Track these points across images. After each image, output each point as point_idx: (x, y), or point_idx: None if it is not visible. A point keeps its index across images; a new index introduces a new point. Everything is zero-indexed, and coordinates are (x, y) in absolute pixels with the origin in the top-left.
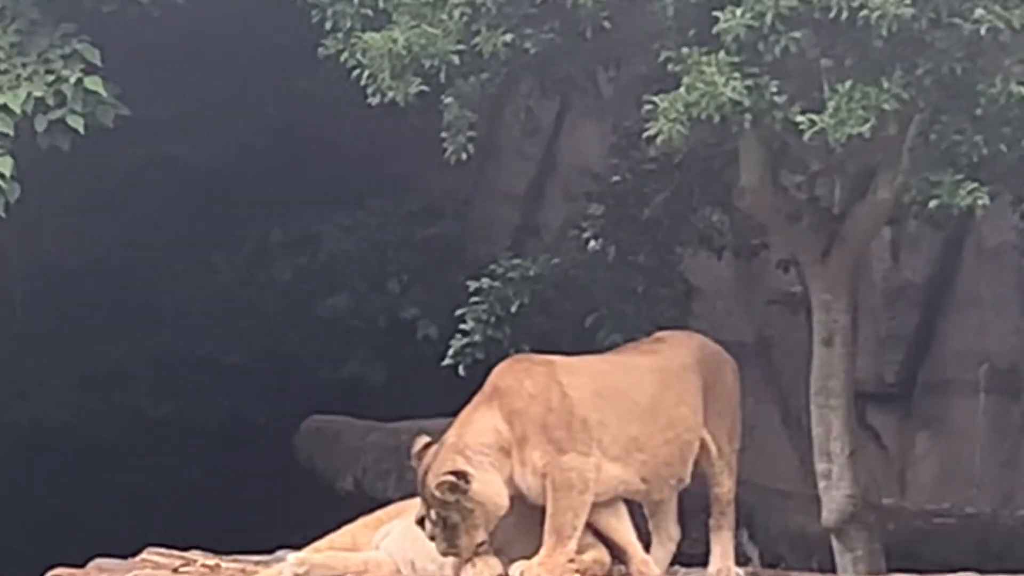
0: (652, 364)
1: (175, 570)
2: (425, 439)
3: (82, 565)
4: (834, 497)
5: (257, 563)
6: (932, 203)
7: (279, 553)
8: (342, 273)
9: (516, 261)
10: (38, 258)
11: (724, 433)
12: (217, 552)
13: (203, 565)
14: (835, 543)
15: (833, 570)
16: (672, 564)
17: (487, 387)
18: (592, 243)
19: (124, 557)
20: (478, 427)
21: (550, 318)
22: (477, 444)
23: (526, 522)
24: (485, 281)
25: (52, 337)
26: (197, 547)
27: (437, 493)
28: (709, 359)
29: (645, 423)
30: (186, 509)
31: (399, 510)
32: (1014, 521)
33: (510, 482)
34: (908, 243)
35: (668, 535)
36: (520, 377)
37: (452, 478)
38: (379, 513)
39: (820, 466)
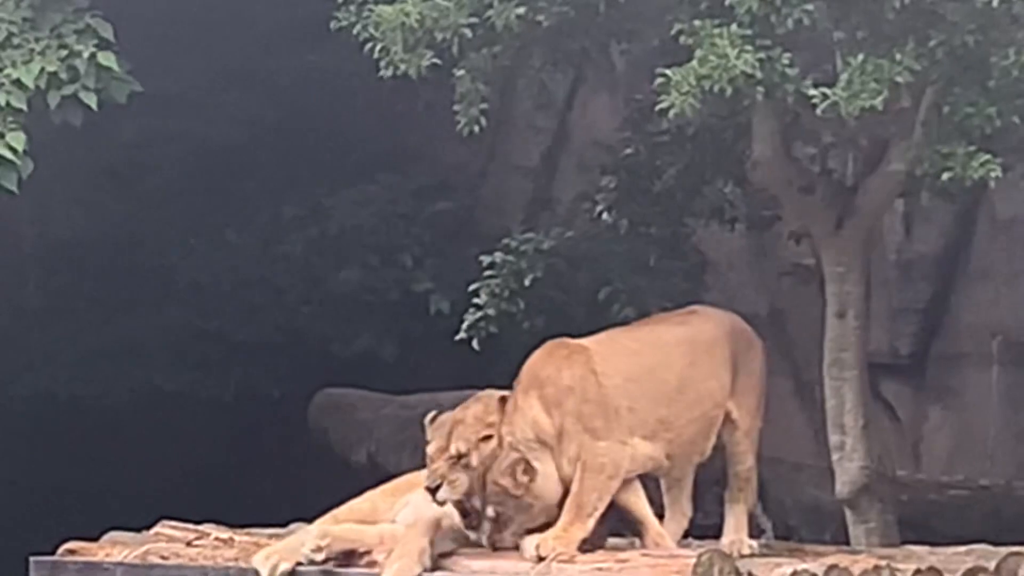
0: (681, 336)
1: (189, 543)
2: (435, 412)
3: (96, 538)
4: (847, 469)
5: (271, 536)
6: (945, 175)
7: (293, 526)
8: (354, 247)
9: (529, 235)
10: (50, 233)
11: (749, 410)
12: (231, 525)
13: (217, 538)
14: (848, 515)
15: (847, 542)
16: (684, 537)
17: (526, 376)
18: (605, 216)
19: (138, 530)
20: (522, 421)
21: (563, 291)
22: (525, 439)
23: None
24: (498, 255)
25: (65, 311)
26: (211, 520)
27: (509, 486)
28: (739, 335)
29: (674, 402)
30: (199, 483)
31: (420, 478)
32: None
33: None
34: (921, 215)
35: (682, 511)
36: (559, 366)
37: (523, 474)
38: (399, 481)
39: (833, 438)
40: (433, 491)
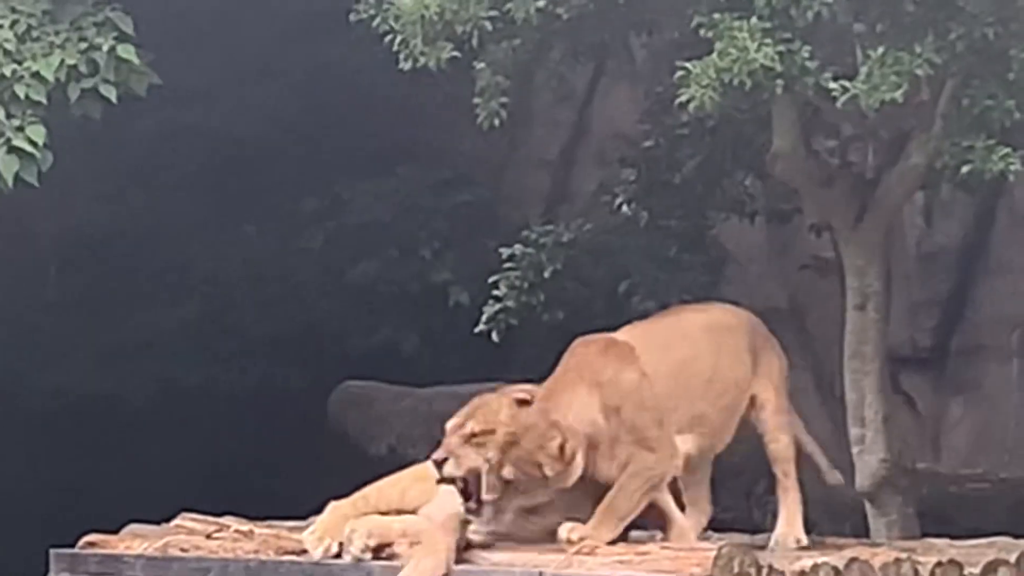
0: (705, 324)
1: (209, 536)
2: None
3: (116, 531)
4: (868, 462)
5: (291, 529)
6: (964, 168)
7: (312, 519)
8: (373, 240)
9: (548, 227)
10: (69, 226)
11: (774, 388)
12: (250, 518)
13: (236, 531)
14: (869, 508)
15: (867, 535)
16: (704, 531)
17: (579, 368)
18: (624, 209)
19: (158, 523)
20: (579, 414)
21: (583, 284)
22: (573, 430)
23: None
24: (518, 247)
25: (84, 305)
26: (230, 513)
27: (545, 463)
28: (755, 324)
29: (707, 395)
30: (219, 476)
31: None
32: None
33: (587, 474)
34: (941, 208)
35: (702, 510)
36: (618, 369)
37: (561, 459)
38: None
39: (854, 431)
40: (439, 464)
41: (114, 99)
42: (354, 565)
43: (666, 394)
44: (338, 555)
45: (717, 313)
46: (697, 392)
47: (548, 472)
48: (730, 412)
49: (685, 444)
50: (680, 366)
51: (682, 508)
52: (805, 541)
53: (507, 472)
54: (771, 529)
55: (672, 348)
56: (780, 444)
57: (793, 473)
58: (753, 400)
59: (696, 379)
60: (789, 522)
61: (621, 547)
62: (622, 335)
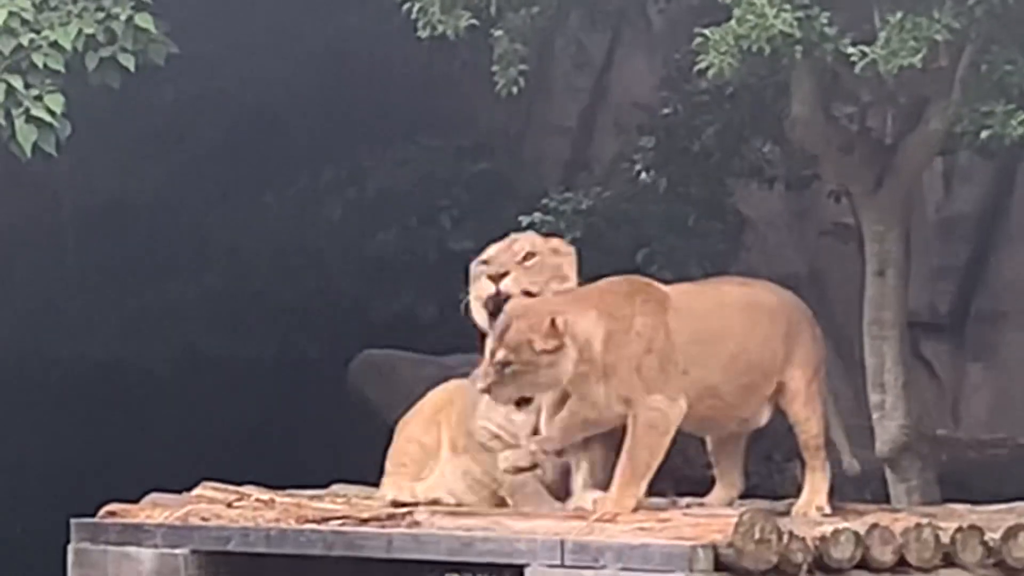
0: (744, 300)
1: (229, 505)
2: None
3: (136, 500)
4: (887, 428)
5: (311, 497)
6: (984, 134)
7: (334, 487)
8: (393, 209)
9: (567, 195)
10: (88, 196)
11: (805, 378)
12: (271, 487)
13: (257, 500)
14: (889, 474)
15: (887, 501)
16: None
17: (606, 298)
18: (643, 176)
19: (179, 492)
20: (579, 326)
21: (602, 252)
22: (579, 334)
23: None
24: (536, 215)
25: (103, 274)
26: (251, 482)
27: (534, 338)
28: (795, 306)
29: (726, 370)
30: (239, 445)
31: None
32: None
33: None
34: (960, 174)
35: (732, 481)
36: (635, 310)
37: (552, 334)
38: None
39: (873, 397)
40: None
41: (132, 68)
42: (373, 532)
43: (685, 355)
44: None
45: (760, 293)
46: (716, 365)
47: (538, 346)
48: (747, 393)
49: (692, 412)
50: (707, 335)
51: (712, 483)
52: (828, 510)
53: (500, 354)
54: (791, 495)
55: (707, 318)
56: (809, 434)
57: (821, 458)
58: (782, 388)
59: (720, 352)
60: (812, 494)
61: (642, 514)
62: (669, 289)
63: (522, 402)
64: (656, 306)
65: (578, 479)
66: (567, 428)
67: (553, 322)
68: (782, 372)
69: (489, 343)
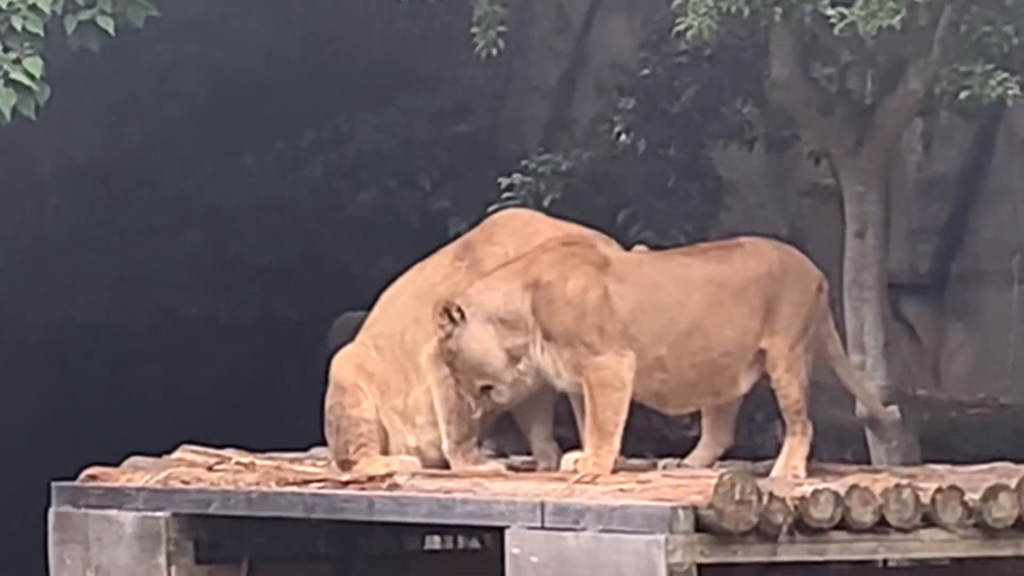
0: (710, 276)
1: (210, 468)
2: None
3: (117, 464)
4: (868, 389)
5: (291, 460)
6: (963, 94)
7: (313, 450)
8: (373, 170)
9: (547, 156)
10: (69, 159)
11: (789, 345)
12: (251, 450)
13: (237, 463)
14: (869, 435)
15: (868, 461)
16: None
17: (529, 268)
18: (623, 138)
19: (159, 455)
20: (499, 297)
21: (582, 213)
22: (488, 308)
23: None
24: (517, 177)
25: (84, 237)
26: (231, 445)
27: (437, 326)
28: (784, 273)
29: (676, 345)
30: (220, 407)
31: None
32: None
33: (524, 362)
34: (940, 135)
35: (716, 439)
36: (565, 275)
37: (448, 318)
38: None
39: (854, 358)
40: None
41: (112, 31)
42: (353, 495)
43: (631, 321)
44: None
45: (738, 262)
46: (665, 338)
47: (441, 335)
48: (708, 369)
49: (639, 386)
50: (658, 308)
51: (692, 444)
52: (802, 474)
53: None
54: (772, 456)
55: (660, 289)
56: (790, 399)
57: (802, 423)
58: (763, 354)
59: (670, 326)
60: (789, 458)
61: (623, 475)
62: (614, 254)
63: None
64: (591, 270)
65: (540, 432)
66: (518, 391)
67: (446, 308)
68: (759, 343)
69: None
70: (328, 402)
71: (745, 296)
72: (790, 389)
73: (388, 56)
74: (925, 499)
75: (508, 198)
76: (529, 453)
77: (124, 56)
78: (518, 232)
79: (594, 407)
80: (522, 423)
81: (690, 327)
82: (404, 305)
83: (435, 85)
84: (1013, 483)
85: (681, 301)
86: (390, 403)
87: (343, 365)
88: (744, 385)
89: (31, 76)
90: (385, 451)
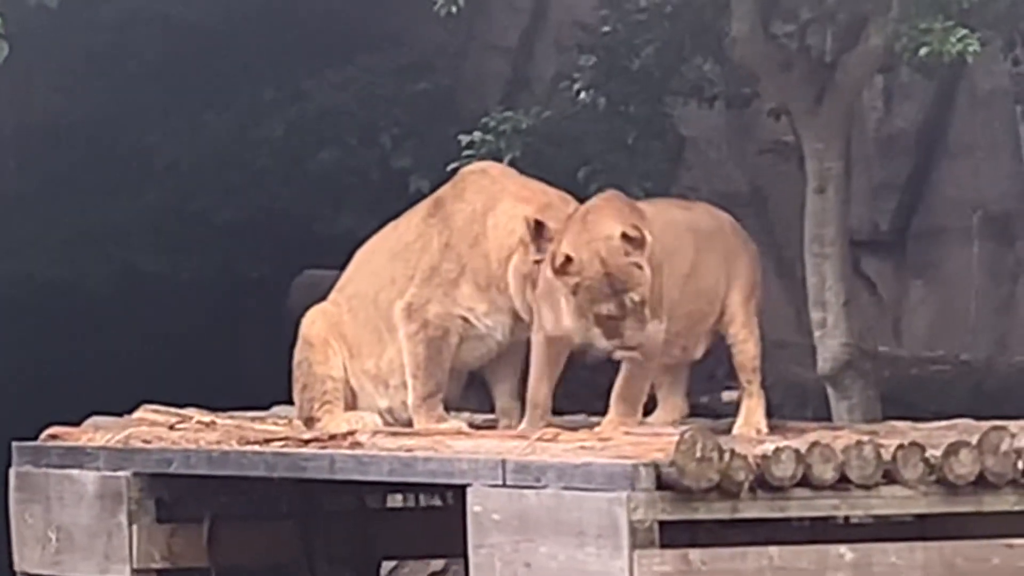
0: (689, 222)
1: (171, 427)
2: None
3: (78, 423)
4: (829, 346)
5: (252, 419)
6: (923, 50)
7: (275, 409)
8: (334, 128)
9: (507, 114)
10: (28, 117)
11: (743, 299)
12: (212, 408)
13: (199, 422)
14: (830, 392)
15: (829, 418)
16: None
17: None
18: (583, 95)
19: (120, 415)
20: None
21: (542, 171)
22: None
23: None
24: (477, 135)
25: (44, 195)
26: (192, 404)
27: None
28: (735, 229)
29: (679, 289)
30: (180, 366)
31: None
32: (1009, 367)
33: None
34: (901, 91)
35: (675, 404)
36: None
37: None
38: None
39: (815, 315)
40: None
41: None
42: (315, 454)
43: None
44: None
45: (700, 216)
46: (675, 282)
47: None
48: (695, 319)
49: None
50: (665, 251)
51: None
52: (765, 430)
53: None
54: (733, 415)
55: (663, 232)
56: (747, 356)
57: (757, 381)
58: (723, 311)
59: (676, 270)
60: (748, 416)
61: (584, 433)
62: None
63: None
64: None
65: (504, 389)
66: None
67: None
68: (724, 297)
69: None
70: (296, 358)
71: (712, 245)
72: (747, 345)
73: (349, 14)
74: (886, 456)
75: (468, 156)
76: (492, 411)
77: (83, 13)
78: (485, 189)
79: (628, 374)
80: (490, 379)
81: (688, 272)
82: (379, 265)
83: (396, 43)
84: (974, 439)
85: (679, 247)
86: (361, 366)
87: (314, 320)
88: (701, 349)
89: None
90: (351, 410)
